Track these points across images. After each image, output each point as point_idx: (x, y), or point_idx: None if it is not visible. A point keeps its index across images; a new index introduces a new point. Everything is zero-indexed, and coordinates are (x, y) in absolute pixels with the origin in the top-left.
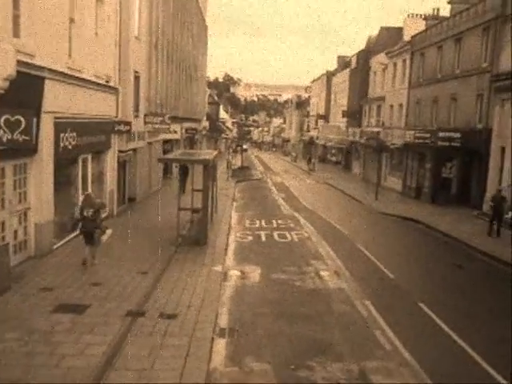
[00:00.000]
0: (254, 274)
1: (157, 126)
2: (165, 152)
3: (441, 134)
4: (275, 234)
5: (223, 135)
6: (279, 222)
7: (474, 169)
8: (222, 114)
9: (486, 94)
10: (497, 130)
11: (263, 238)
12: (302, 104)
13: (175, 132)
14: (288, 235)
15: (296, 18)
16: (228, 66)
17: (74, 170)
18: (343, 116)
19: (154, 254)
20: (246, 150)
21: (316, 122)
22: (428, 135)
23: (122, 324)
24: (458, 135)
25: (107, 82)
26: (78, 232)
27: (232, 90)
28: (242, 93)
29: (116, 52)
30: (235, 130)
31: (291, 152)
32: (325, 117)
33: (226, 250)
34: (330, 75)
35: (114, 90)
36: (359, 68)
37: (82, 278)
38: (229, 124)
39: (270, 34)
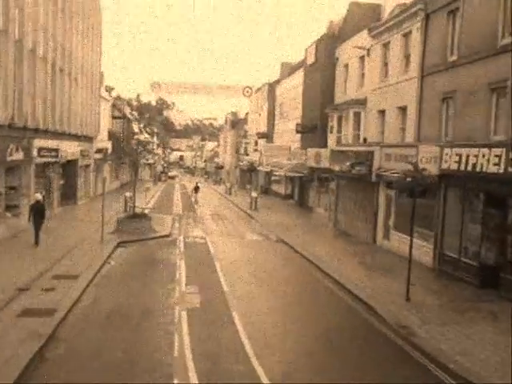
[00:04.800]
0: None
1: None
2: None
3: None
4: None
5: (143, 161)
6: None
7: None
8: (142, 135)
9: None
10: None
11: None
12: (238, 123)
13: None
14: None
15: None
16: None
17: None
18: (297, 132)
19: None
20: (173, 178)
21: (256, 143)
22: None
23: None
24: None
25: None
26: None
27: (165, 113)
28: (175, 117)
29: None
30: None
31: (225, 181)
32: (267, 136)
33: None
34: (273, 84)
35: None
36: (320, 63)
37: None
38: (156, 147)
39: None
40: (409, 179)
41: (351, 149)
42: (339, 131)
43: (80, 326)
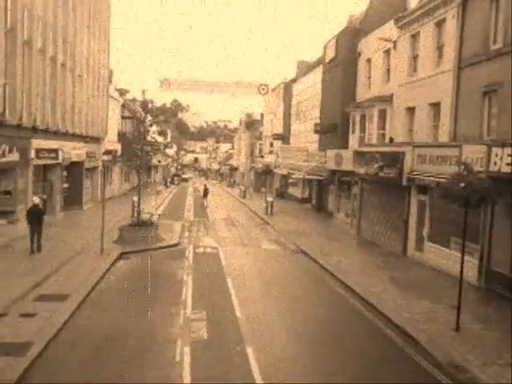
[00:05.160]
0: None
1: None
2: None
3: None
4: None
5: (154, 162)
6: None
7: None
8: (152, 136)
9: None
10: None
11: None
12: (252, 124)
13: None
14: None
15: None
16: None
17: None
18: (316, 132)
19: None
20: (186, 180)
21: (271, 145)
22: None
23: None
24: None
25: None
26: None
27: (180, 115)
28: (190, 119)
29: None
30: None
31: (240, 184)
32: (283, 137)
33: None
34: (289, 83)
35: None
36: (340, 58)
37: None
38: (169, 150)
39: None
40: (462, 185)
41: (378, 149)
42: (362, 131)
43: (57, 367)
